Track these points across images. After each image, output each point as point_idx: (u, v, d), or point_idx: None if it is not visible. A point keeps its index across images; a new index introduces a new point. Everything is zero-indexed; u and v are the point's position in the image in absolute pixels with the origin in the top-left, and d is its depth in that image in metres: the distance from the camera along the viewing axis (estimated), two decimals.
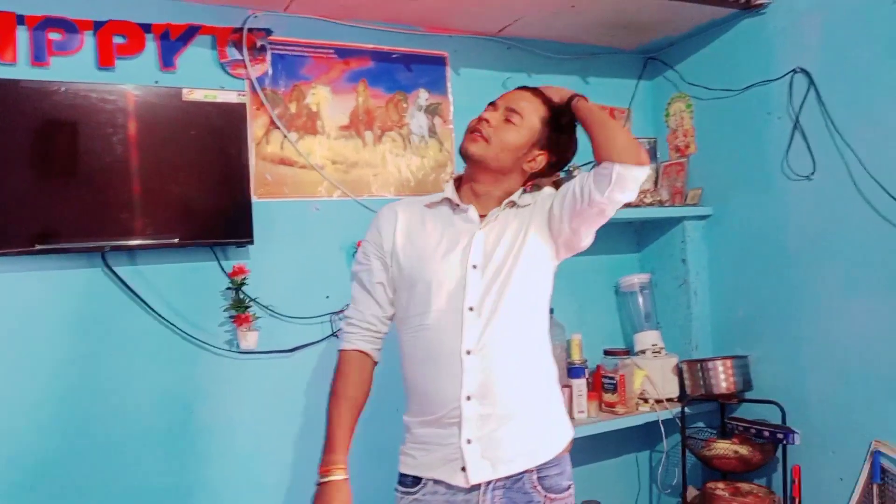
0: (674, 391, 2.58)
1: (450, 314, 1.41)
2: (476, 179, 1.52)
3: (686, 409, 2.46)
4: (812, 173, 2.32)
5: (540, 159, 1.54)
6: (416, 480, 1.44)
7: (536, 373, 1.48)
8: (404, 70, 2.49)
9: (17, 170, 1.88)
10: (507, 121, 1.50)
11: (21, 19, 1.96)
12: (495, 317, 1.41)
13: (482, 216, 1.50)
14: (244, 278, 2.12)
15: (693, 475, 2.58)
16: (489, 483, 1.40)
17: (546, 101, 1.54)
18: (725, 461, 2.37)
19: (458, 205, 1.51)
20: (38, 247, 1.87)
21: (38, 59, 1.98)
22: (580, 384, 2.42)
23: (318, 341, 2.28)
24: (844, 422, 2.25)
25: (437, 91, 2.55)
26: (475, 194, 1.52)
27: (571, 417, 2.37)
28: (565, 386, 2.38)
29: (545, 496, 1.42)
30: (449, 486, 1.40)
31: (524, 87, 1.58)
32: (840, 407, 2.26)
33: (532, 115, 1.51)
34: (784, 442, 2.30)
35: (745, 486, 2.40)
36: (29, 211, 1.88)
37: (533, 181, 1.59)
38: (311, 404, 2.25)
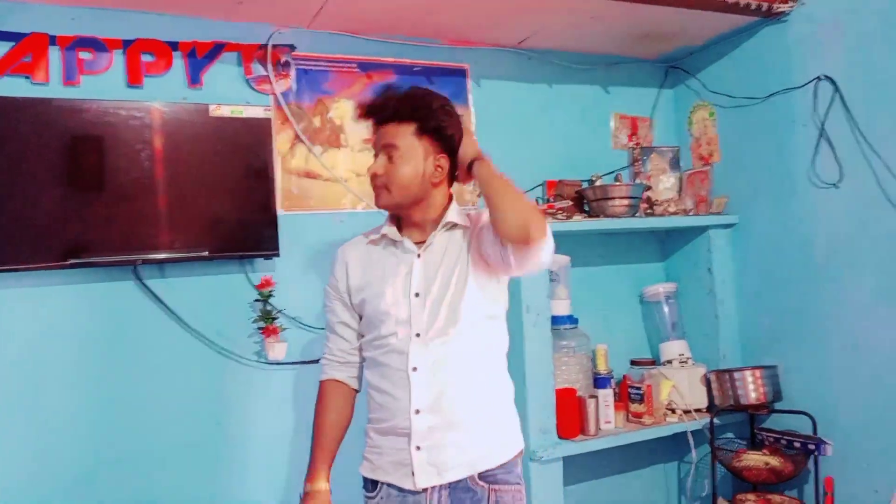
0: (702, 402, 2.55)
1: (399, 339, 1.51)
2: (407, 214, 1.57)
3: (715, 420, 2.43)
4: (839, 181, 2.30)
5: (443, 163, 1.54)
6: (374, 484, 1.55)
7: (484, 386, 1.54)
8: (426, 83, 2.51)
9: (50, 186, 1.92)
10: (391, 160, 1.51)
11: (53, 40, 2.01)
12: (440, 339, 1.49)
13: (422, 242, 1.55)
14: (271, 290, 2.14)
15: (723, 487, 2.54)
16: (435, 486, 1.48)
17: (407, 115, 1.50)
18: (756, 472, 2.33)
19: (394, 240, 1.57)
20: (71, 261, 1.91)
21: (69, 78, 2.02)
22: (606, 394, 2.41)
23: None
24: (878, 432, 2.21)
25: (458, 103, 2.54)
26: (413, 224, 1.57)
27: (598, 428, 2.36)
28: (592, 396, 2.37)
29: (488, 488, 1.49)
30: (400, 490, 1.50)
31: (385, 116, 1.53)
32: (873, 417, 2.22)
33: (406, 139, 1.50)
34: (816, 453, 2.27)
35: (776, 498, 2.37)
36: (61, 226, 1.92)
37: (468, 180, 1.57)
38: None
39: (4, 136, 1.86)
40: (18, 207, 1.87)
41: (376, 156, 1.54)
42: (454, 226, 1.55)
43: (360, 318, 1.60)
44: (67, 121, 1.93)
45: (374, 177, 1.53)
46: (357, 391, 1.65)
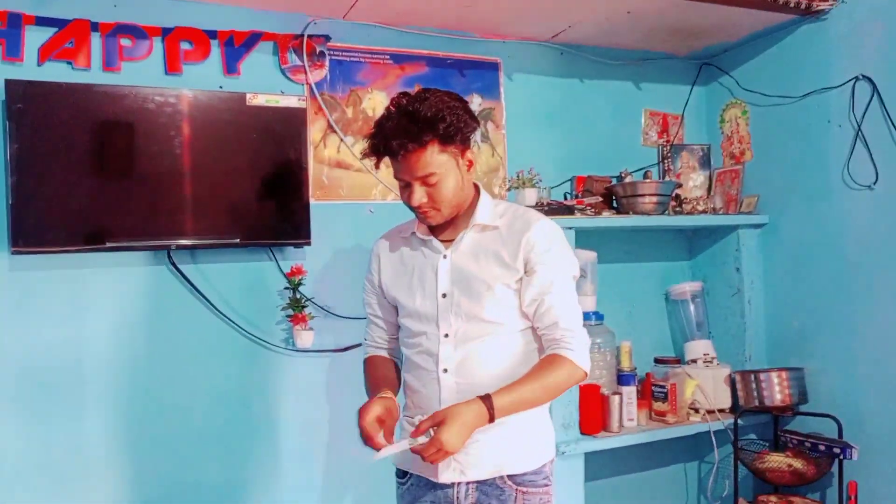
0: (726, 402, 2.54)
1: (429, 339, 1.52)
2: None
3: (739, 421, 2.42)
4: (874, 182, 2.27)
5: (471, 157, 1.50)
6: (404, 473, 1.58)
7: None
8: (458, 75, 2.52)
9: (89, 170, 1.96)
10: (429, 185, 1.44)
11: (95, 26, 2.04)
12: (467, 340, 1.49)
13: (451, 240, 1.53)
14: (301, 278, 2.17)
15: (744, 488, 2.53)
16: (462, 481, 1.49)
17: (426, 136, 1.40)
18: (779, 474, 2.33)
19: (422, 238, 1.55)
20: (108, 244, 1.95)
21: (109, 64, 2.06)
22: (630, 391, 2.41)
23: None
24: None
25: (490, 96, 2.56)
26: (445, 221, 1.52)
27: (620, 425, 2.36)
28: (615, 393, 2.38)
29: (516, 489, 1.49)
30: (428, 481, 1.53)
31: (405, 150, 1.40)
32: None
33: (434, 159, 1.42)
34: (841, 457, 2.25)
35: (798, 501, 2.36)
36: (98, 210, 1.96)
37: None
38: (362, 402, 2.28)
39: (47, 120, 1.90)
40: (57, 191, 1.91)
41: (409, 187, 1.45)
42: (485, 227, 1.52)
43: (397, 310, 1.61)
44: (107, 107, 1.97)
45: (419, 209, 1.47)
46: (400, 367, 1.65)
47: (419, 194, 1.44)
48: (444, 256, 1.52)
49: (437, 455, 1.33)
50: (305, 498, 2.23)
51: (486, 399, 1.37)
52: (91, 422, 2.01)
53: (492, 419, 1.37)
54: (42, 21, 1.98)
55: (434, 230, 1.55)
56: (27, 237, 1.87)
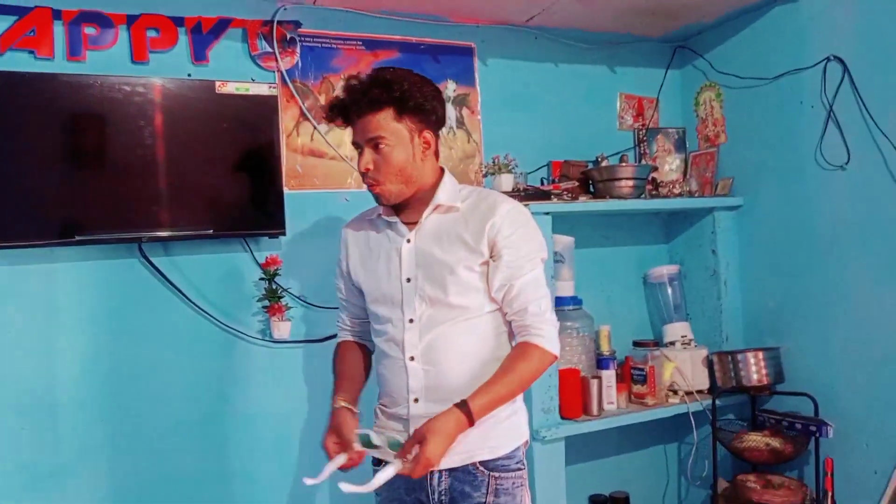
0: (704, 383, 2.56)
1: (394, 324, 1.51)
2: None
3: (717, 402, 2.44)
4: (846, 163, 2.29)
5: (428, 137, 1.50)
6: (378, 461, 1.57)
7: (485, 374, 1.47)
8: (432, 61, 2.49)
9: (55, 162, 1.91)
10: (377, 151, 1.46)
11: (57, 14, 1.99)
12: (433, 325, 1.47)
13: (413, 224, 1.52)
14: (277, 269, 2.15)
15: (723, 467, 2.56)
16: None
17: (382, 101, 1.44)
18: (757, 453, 2.35)
19: (388, 220, 1.55)
20: (77, 237, 1.91)
21: (73, 53, 2.01)
22: (609, 375, 2.42)
23: None
24: (879, 414, 2.22)
25: (464, 82, 2.54)
26: (406, 203, 1.53)
27: (601, 408, 2.38)
28: (594, 377, 2.38)
29: (489, 474, 1.49)
30: None
31: (359, 109, 1.46)
32: (874, 399, 2.23)
33: (389, 125, 1.45)
34: (817, 434, 2.28)
35: (776, 479, 2.39)
36: (66, 203, 1.92)
37: None
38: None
39: (9, 111, 1.85)
40: (23, 183, 1.87)
41: (361, 153, 1.48)
42: (448, 208, 1.51)
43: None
44: (72, 97, 1.92)
45: (365, 173, 1.48)
46: (371, 352, 1.67)
47: (367, 159, 1.47)
48: (408, 241, 1.51)
49: (425, 471, 1.35)
50: (283, 488, 2.21)
51: (463, 406, 1.37)
52: (64, 417, 1.98)
53: (471, 423, 1.38)
54: (2, 9, 1.93)
55: (399, 213, 1.53)
56: None
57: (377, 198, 1.52)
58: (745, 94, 2.63)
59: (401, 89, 1.43)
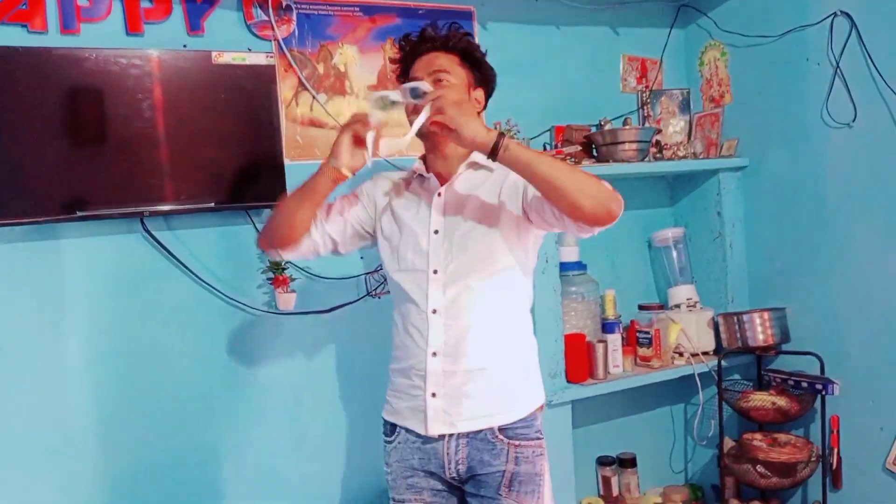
0: (709, 345, 2.57)
1: (417, 275, 1.50)
2: (439, 145, 1.53)
3: (722, 362, 2.45)
4: (853, 120, 2.26)
5: (480, 97, 1.60)
6: (393, 428, 1.56)
7: (505, 336, 1.51)
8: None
9: (52, 138, 1.89)
10: (440, 83, 1.50)
11: None
12: (457, 279, 1.47)
13: (447, 179, 1.54)
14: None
15: (729, 427, 2.58)
16: (452, 434, 1.47)
17: (452, 45, 1.54)
18: (763, 412, 2.37)
19: (422, 175, 1.58)
20: (78, 213, 1.90)
21: (67, 26, 1.97)
22: (614, 339, 2.43)
23: (353, 301, 2.30)
24: (884, 372, 2.23)
25: None
26: (442, 157, 1.55)
27: (606, 372, 2.39)
28: (600, 341, 2.39)
29: (508, 443, 1.48)
30: (417, 435, 1.50)
31: (434, 44, 1.55)
32: (879, 357, 2.24)
33: (454, 67, 1.54)
34: (823, 392, 2.29)
35: (782, 437, 2.41)
36: (65, 178, 1.90)
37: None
38: (347, 361, 2.30)
39: (5, 87, 1.83)
40: (20, 160, 1.85)
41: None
42: (481, 166, 1.53)
43: (373, 240, 1.62)
44: (68, 71, 1.89)
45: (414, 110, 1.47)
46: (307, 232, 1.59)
47: (426, 85, 1.47)
48: (439, 194, 1.52)
49: (454, 107, 1.34)
50: (290, 459, 2.24)
51: (500, 133, 1.34)
52: (72, 392, 1.99)
53: (496, 149, 1.31)
54: None
55: (431, 169, 1.56)
56: None
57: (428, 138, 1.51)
58: (751, 53, 2.59)
59: (471, 43, 1.57)
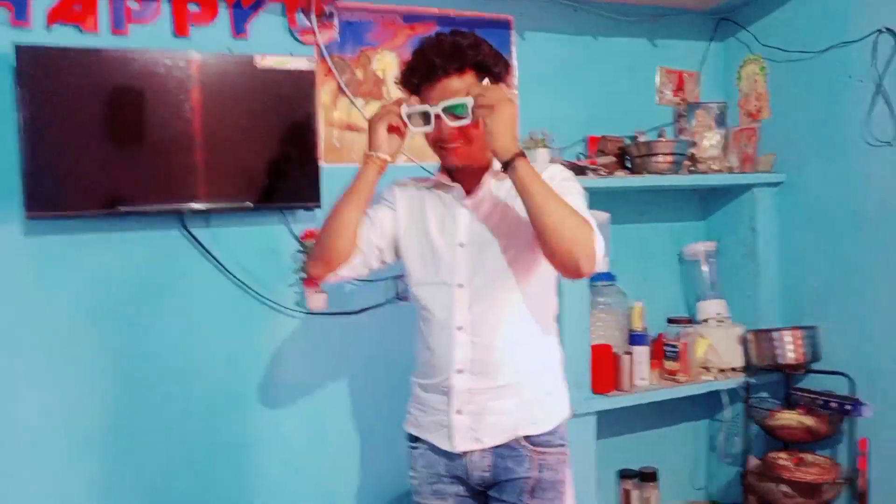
0: (737, 361, 2.55)
1: (442, 290, 1.47)
2: (450, 156, 1.47)
3: (750, 379, 2.42)
4: (894, 139, 2.22)
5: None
6: (415, 439, 1.55)
7: (531, 349, 1.49)
8: None
9: (99, 135, 1.96)
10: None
11: None
12: (484, 294, 1.44)
13: (471, 190, 1.49)
14: (313, 242, 2.18)
15: (754, 445, 2.55)
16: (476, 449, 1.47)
17: (465, 63, 1.40)
18: (790, 431, 2.34)
19: (446, 185, 1.52)
20: (120, 209, 1.96)
21: (117, 27, 2.05)
22: (641, 351, 2.42)
23: (382, 304, 2.34)
24: None
25: None
26: (468, 170, 1.49)
27: (632, 384, 2.38)
28: (627, 353, 2.39)
29: (532, 450, 1.46)
30: (441, 449, 1.50)
31: (444, 72, 1.40)
32: None
33: (473, 88, 1.40)
34: (852, 414, 2.26)
35: (808, 457, 2.38)
36: (109, 174, 1.97)
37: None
38: (375, 363, 2.34)
39: (57, 86, 1.90)
40: (69, 156, 1.92)
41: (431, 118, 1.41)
42: (504, 176, 1.45)
43: (397, 255, 1.56)
44: (117, 71, 1.96)
45: (449, 138, 1.42)
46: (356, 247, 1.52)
47: (447, 123, 1.39)
48: (464, 206, 1.49)
49: (500, 98, 1.31)
50: (317, 459, 2.28)
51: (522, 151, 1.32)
52: (105, 385, 2.05)
53: (512, 159, 1.31)
54: None
55: (455, 179, 1.51)
56: (42, 202, 1.89)
57: (452, 161, 1.46)
58: (791, 68, 2.56)
59: (483, 53, 1.41)
